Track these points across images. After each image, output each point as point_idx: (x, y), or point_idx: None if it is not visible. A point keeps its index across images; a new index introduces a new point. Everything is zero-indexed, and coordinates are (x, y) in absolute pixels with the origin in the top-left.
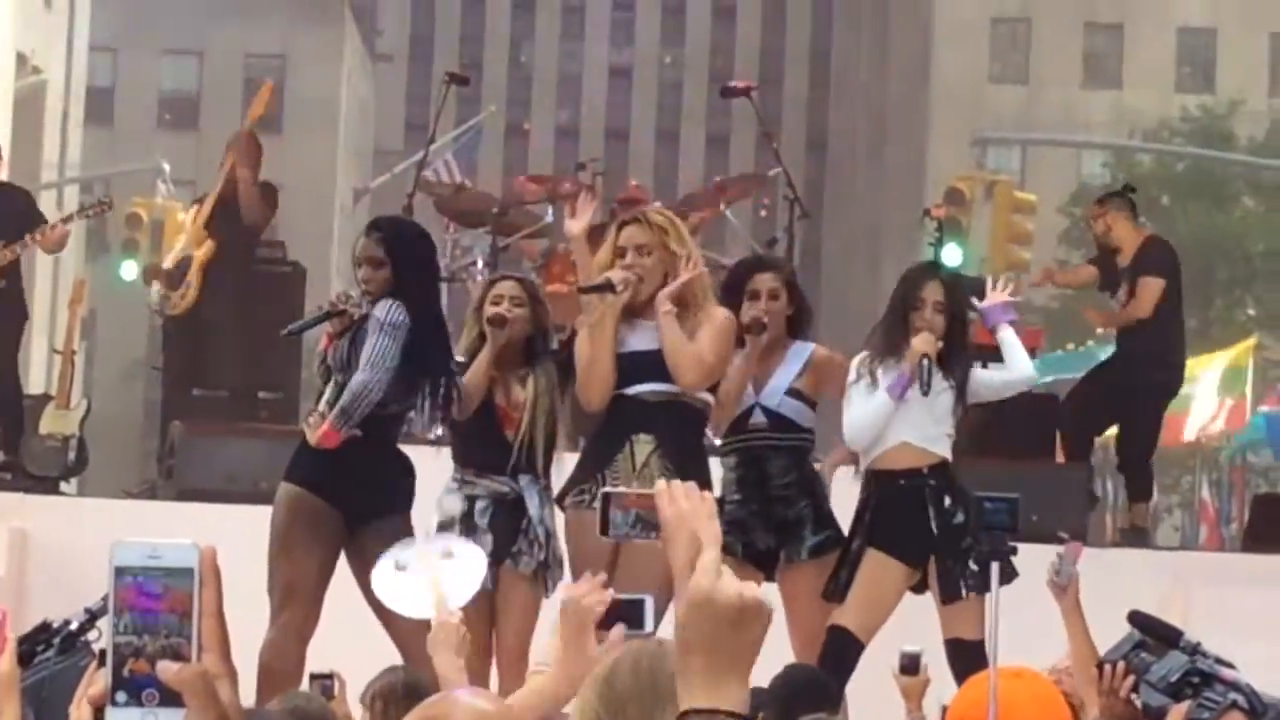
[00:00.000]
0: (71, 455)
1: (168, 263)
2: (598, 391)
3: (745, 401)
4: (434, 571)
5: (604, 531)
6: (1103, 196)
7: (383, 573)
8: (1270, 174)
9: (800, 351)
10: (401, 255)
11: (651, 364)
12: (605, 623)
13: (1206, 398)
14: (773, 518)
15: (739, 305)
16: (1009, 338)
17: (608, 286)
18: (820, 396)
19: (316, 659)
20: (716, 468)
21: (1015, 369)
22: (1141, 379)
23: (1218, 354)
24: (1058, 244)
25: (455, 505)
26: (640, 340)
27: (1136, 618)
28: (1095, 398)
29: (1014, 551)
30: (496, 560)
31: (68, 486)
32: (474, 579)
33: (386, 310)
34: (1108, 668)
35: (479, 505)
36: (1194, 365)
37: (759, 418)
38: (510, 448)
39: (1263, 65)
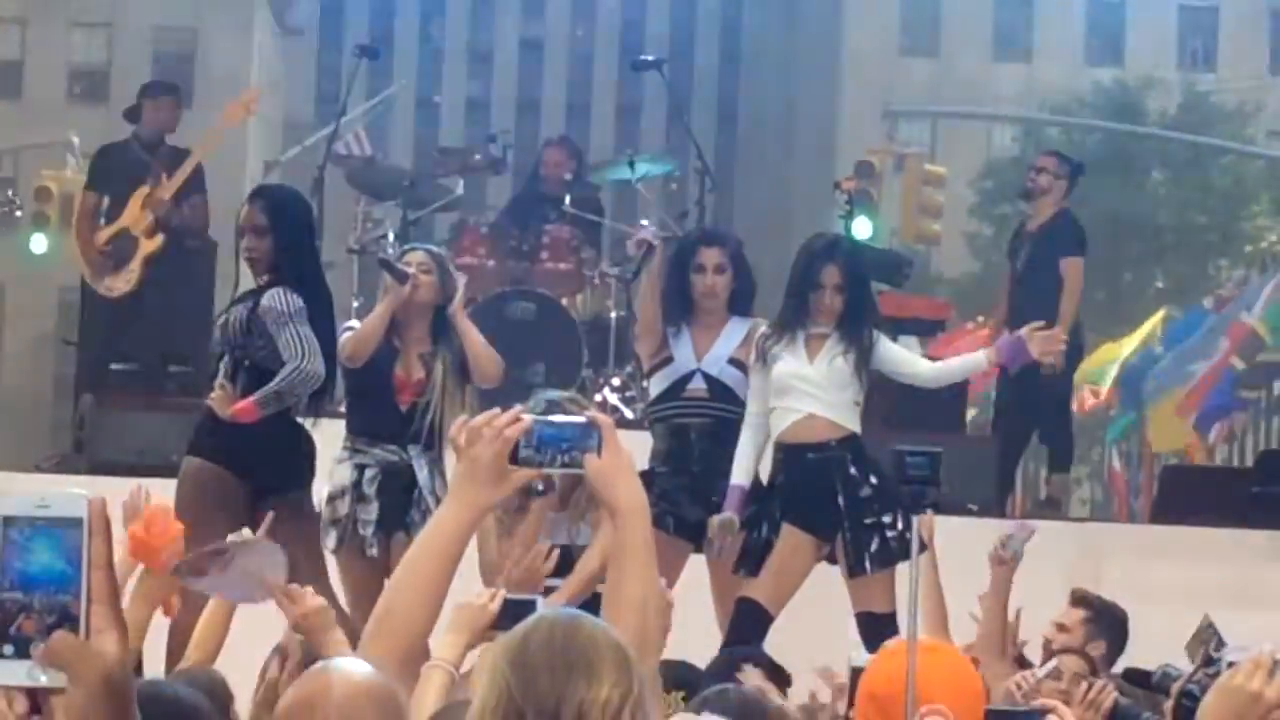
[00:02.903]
0: None
1: (101, 239)
2: None
3: (685, 367)
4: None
5: (513, 460)
6: (1078, 162)
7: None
8: (1181, 148)
9: (741, 323)
10: (283, 223)
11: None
12: (499, 623)
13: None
14: (702, 491)
15: (685, 278)
16: (975, 361)
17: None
18: None
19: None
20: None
21: (936, 371)
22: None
23: (1131, 335)
24: (968, 217)
25: (345, 475)
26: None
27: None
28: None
29: (936, 505)
30: (387, 530)
31: None
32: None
33: (280, 300)
34: (1099, 683)
35: (367, 474)
36: (1114, 348)
37: (698, 383)
38: (403, 418)
39: (1171, 38)
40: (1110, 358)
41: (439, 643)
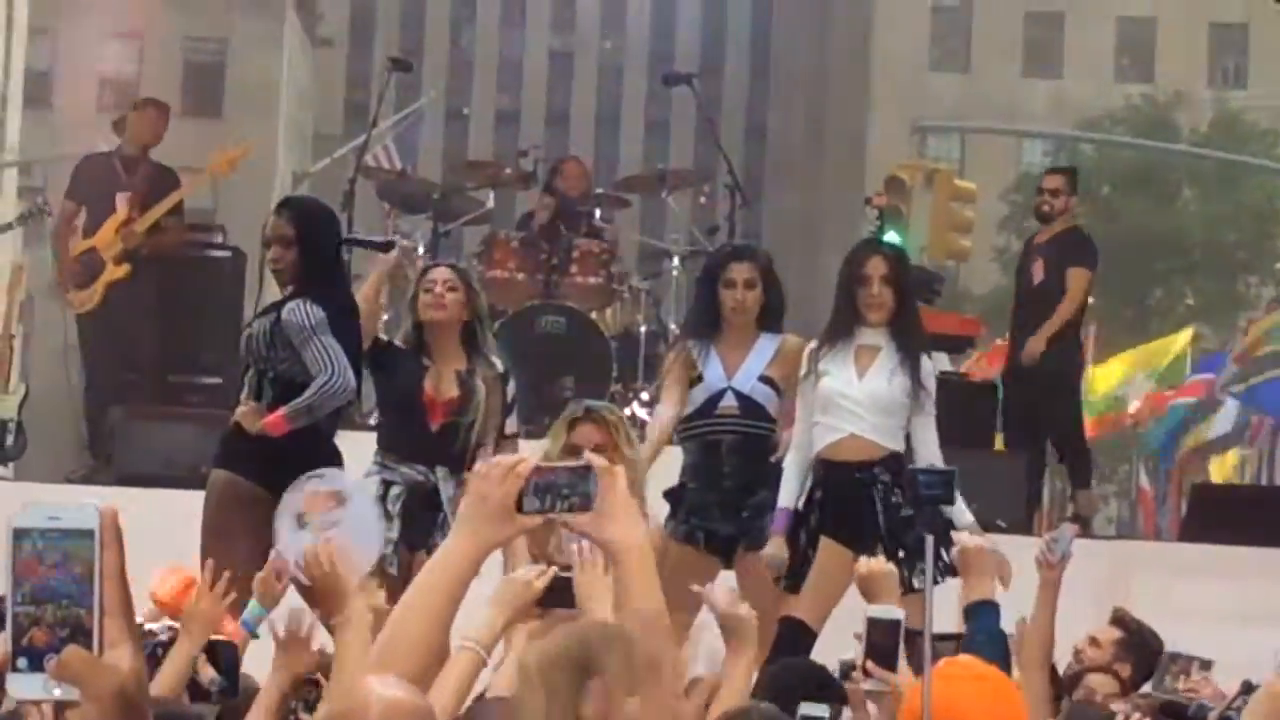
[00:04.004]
0: (10, 439)
1: (74, 252)
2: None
3: (716, 385)
4: (331, 533)
5: (519, 509)
6: (1072, 168)
7: (285, 530)
8: (1211, 165)
9: (771, 340)
10: (310, 235)
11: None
12: (545, 600)
13: (1142, 389)
14: (732, 506)
15: (714, 293)
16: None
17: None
18: (788, 385)
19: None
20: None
21: (929, 455)
22: (1052, 366)
23: (1155, 344)
24: (997, 232)
25: (370, 490)
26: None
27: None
28: (1022, 392)
29: (950, 525)
30: (410, 547)
31: (5, 470)
32: (372, 540)
33: (300, 314)
34: (1135, 717)
35: (393, 491)
36: (1132, 357)
37: (730, 401)
38: (434, 437)
39: (1202, 56)
40: (1122, 377)
41: (475, 619)
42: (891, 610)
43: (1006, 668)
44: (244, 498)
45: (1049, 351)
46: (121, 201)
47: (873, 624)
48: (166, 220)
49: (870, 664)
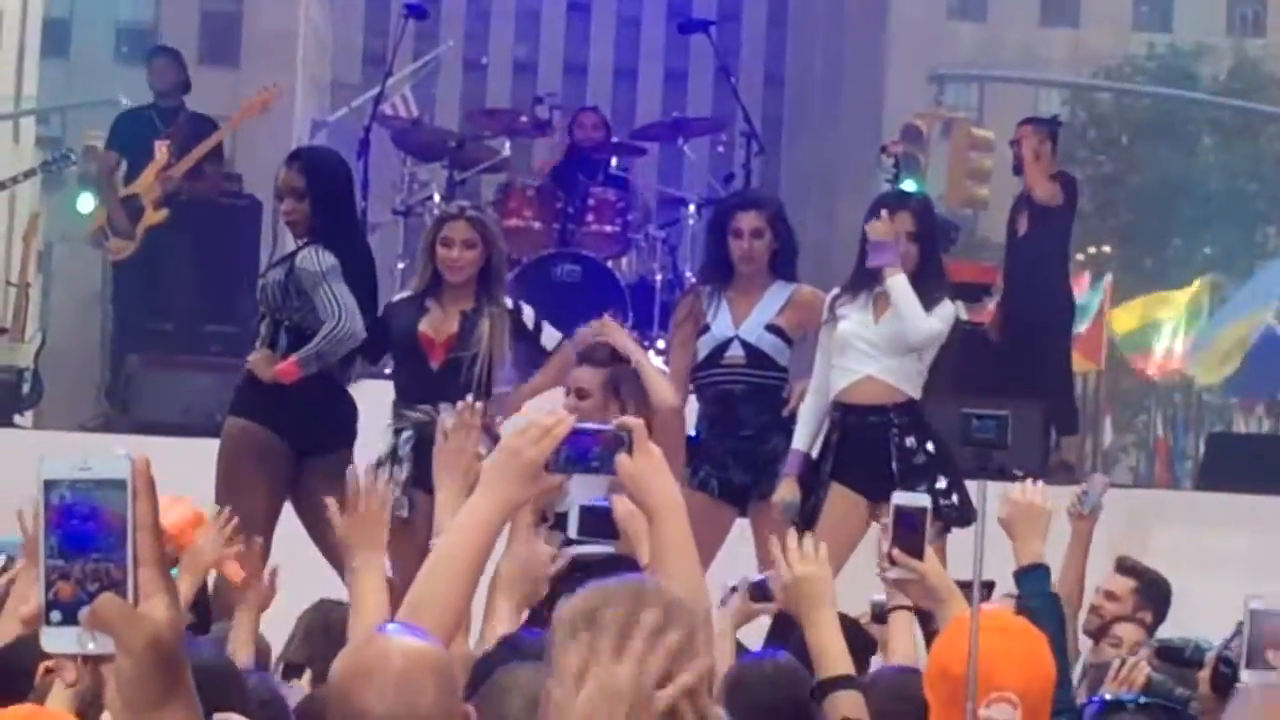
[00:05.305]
0: (26, 388)
1: (123, 192)
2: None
3: (723, 334)
4: None
5: (549, 467)
6: (1050, 117)
7: None
8: (1230, 114)
9: (782, 289)
10: (320, 185)
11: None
12: (583, 528)
13: (1169, 336)
14: (746, 455)
15: (723, 243)
16: (898, 284)
17: None
18: (799, 334)
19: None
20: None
21: (909, 323)
22: (1036, 313)
23: (1174, 293)
24: (1015, 181)
25: (387, 439)
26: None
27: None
28: (1015, 342)
29: (1001, 470)
30: (426, 488)
31: (22, 419)
32: None
33: (312, 261)
34: (1131, 660)
35: (403, 436)
36: (1151, 304)
37: (736, 351)
38: (437, 376)
39: (1220, 4)
40: (1148, 319)
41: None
42: (918, 498)
43: (1062, 632)
44: (258, 445)
45: (1041, 301)
46: (160, 147)
47: (899, 512)
48: (206, 166)
49: (897, 552)
